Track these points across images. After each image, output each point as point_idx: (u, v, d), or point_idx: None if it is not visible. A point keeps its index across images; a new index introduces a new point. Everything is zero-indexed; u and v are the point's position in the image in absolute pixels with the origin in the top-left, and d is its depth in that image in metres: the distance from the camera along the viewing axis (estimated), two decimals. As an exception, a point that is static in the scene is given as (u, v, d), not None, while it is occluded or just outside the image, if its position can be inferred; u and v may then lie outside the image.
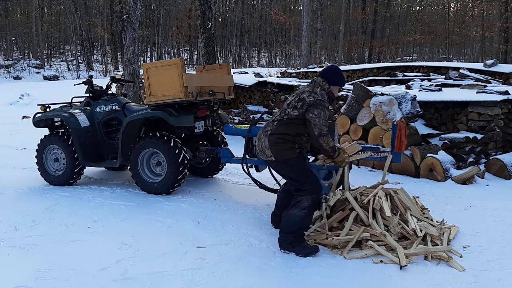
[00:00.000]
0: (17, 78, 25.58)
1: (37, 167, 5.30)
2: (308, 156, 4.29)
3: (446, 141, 5.84)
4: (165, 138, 4.66)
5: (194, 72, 7.10)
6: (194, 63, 33.61)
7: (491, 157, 5.82)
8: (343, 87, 3.57)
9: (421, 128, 6.23)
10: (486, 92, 6.20)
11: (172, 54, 36.72)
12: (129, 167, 5.06)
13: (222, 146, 5.37)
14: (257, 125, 4.57)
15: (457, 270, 3.12)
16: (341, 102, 7.15)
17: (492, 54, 24.41)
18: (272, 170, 4.23)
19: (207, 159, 5.44)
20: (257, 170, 4.72)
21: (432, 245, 3.42)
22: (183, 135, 5.11)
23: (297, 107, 3.43)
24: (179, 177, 4.68)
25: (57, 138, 5.18)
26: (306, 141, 3.54)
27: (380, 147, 4.27)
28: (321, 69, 3.37)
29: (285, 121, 3.47)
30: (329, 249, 3.45)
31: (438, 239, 3.49)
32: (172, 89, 4.53)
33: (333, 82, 3.56)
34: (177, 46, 38.04)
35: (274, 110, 4.66)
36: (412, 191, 4.51)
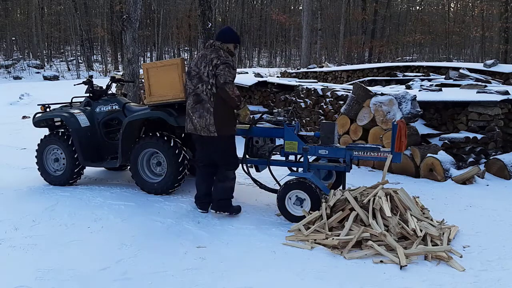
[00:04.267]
0: (17, 78, 25.55)
1: (37, 167, 5.30)
2: (309, 157, 4.29)
3: (446, 141, 5.84)
4: (165, 138, 4.66)
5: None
6: (194, 63, 33.51)
7: (491, 157, 5.82)
8: (238, 43, 4.22)
9: (421, 128, 6.22)
10: (486, 92, 6.20)
11: (172, 54, 36.69)
12: (129, 167, 5.06)
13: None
14: (257, 125, 4.56)
15: (457, 270, 3.12)
16: (341, 102, 7.15)
17: (492, 54, 24.39)
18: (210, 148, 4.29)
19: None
20: (257, 170, 4.72)
21: (432, 245, 3.42)
22: (183, 135, 5.11)
23: (216, 74, 3.90)
24: (179, 177, 4.68)
25: (57, 138, 5.18)
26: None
27: (380, 147, 4.27)
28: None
29: (215, 93, 3.94)
30: (329, 249, 3.45)
31: (438, 239, 3.49)
32: (172, 89, 4.53)
33: (226, 41, 4.09)
34: (177, 46, 38.01)
35: (274, 110, 4.66)
36: (412, 191, 4.51)
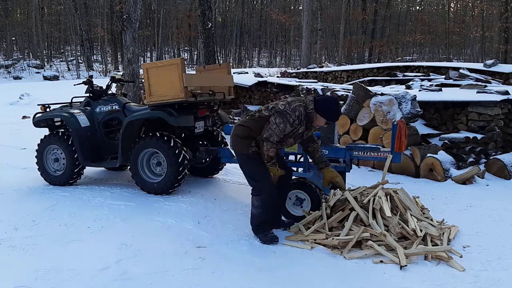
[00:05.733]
0: (17, 78, 25.53)
1: (37, 167, 5.30)
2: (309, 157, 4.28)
3: (446, 141, 5.84)
4: (165, 138, 4.66)
5: (194, 72, 7.11)
6: (194, 63, 33.59)
7: (491, 157, 5.82)
8: (329, 121, 3.65)
9: (421, 128, 6.23)
10: (486, 92, 6.20)
11: (172, 54, 36.70)
12: (129, 167, 5.06)
13: (222, 146, 5.37)
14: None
15: (457, 270, 3.12)
16: (341, 102, 7.15)
17: (492, 54, 24.37)
18: None
19: (207, 159, 5.44)
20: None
21: (432, 245, 3.42)
22: (183, 135, 5.11)
23: (269, 109, 3.57)
24: (179, 177, 4.68)
25: (57, 138, 5.18)
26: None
27: (380, 147, 4.27)
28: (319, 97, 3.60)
29: (256, 118, 3.64)
30: (329, 249, 3.45)
31: (438, 239, 3.49)
32: (172, 89, 4.53)
33: (320, 110, 3.51)
34: (177, 46, 38.02)
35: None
36: (412, 191, 4.51)
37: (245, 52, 39.55)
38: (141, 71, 7.13)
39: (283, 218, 4.01)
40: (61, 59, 32.54)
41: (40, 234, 3.75)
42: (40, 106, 5.41)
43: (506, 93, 6.03)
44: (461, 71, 8.57)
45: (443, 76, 9.16)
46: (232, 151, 3.76)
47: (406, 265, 3.13)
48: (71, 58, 31.95)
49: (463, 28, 31.09)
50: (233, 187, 5.26)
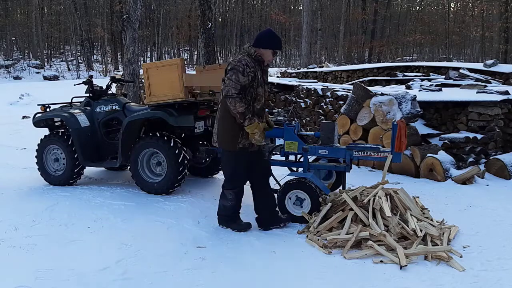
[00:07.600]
0: (17, 78, 25.52)
1: (37, 167, 5.30)
2: (309, 157, 4.28)
3: (446, 141, 5.84)
4: (165, 138, 4.66)
5: (194, 72, 7.10)
6: (194, 63, 33.54)
7: (491, 157, 5.82)
8: (276, 50, 3.70)
9: (421, 128, 6.22)
10: (486, 92, 6.20)
11: (172, 54, 36.68)
12: (129, 167, 5.06)
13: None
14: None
15: (457, 270, 3.12)
16: (341, 102, 7.15)
17: (492, 54, 24.36)
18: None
19: (207, 159, 5.44)
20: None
21: (432, 245, 3.42)
22: (183, 135, 5.11)
23: (224, 79, 3.59)
24: (179, 177, 4.68)
25: (57, 138, 5.18)
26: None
27: (380, 147, 4.27)
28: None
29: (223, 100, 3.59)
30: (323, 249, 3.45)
31: (438, 239, 3.49)
32: (172, 89, 4.54)
33: (260, 45, 3.62)
34: (177, 46, 38.00)
35: (274, 110, 4.66)
36: (412, 191, 4.51)
37: (245, 52, 39.47)
38: (141, 71, 7.13)
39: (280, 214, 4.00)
40: (61, 59, 32.52)
41: (40, 234, 3.75)
42: (40, 106, 5.42)
43: (506, 93, 6.03)
44: (461, 71, 8.57)
45: (443, 76, 9.15)
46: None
47: (406, 265, 3.13)
48: (71, 58, 31.95)
49: (463, 28, 31.08)
50: (233, 187, 5.25)
